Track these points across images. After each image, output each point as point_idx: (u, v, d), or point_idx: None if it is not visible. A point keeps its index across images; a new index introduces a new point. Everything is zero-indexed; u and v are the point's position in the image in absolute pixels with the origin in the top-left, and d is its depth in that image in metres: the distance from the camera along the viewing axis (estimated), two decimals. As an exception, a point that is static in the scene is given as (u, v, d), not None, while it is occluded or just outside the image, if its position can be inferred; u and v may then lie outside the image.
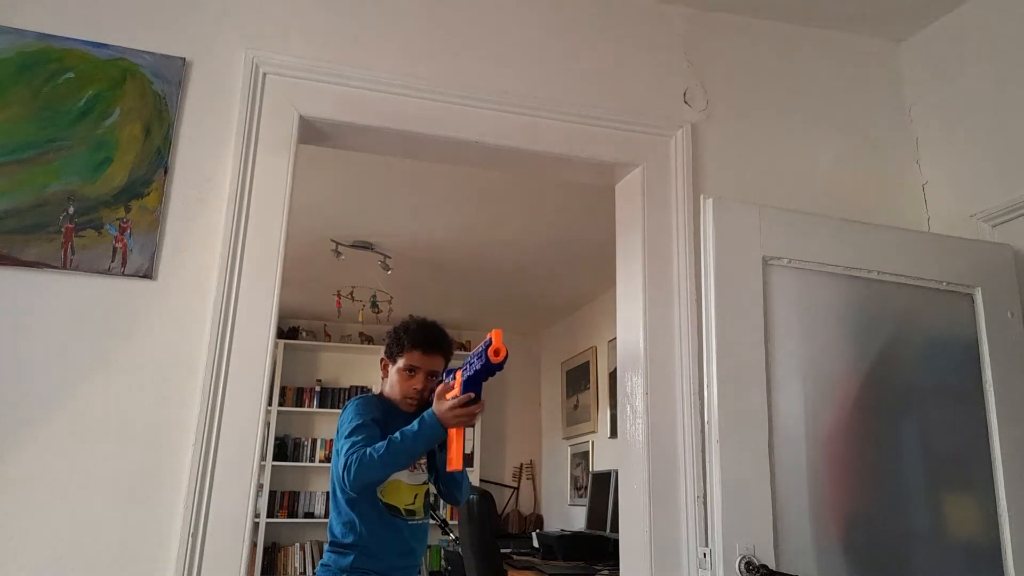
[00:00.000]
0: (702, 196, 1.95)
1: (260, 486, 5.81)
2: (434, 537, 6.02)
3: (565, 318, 6.58)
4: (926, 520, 1.92)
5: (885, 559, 1.85)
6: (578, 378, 6.15)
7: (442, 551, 6.09)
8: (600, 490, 4.86)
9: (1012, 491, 1.95)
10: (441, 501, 4.64)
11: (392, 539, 2.10)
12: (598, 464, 5.60)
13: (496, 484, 6.82)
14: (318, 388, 6.69)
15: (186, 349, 1.73)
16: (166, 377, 1.71)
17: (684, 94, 2.28)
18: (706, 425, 1.81)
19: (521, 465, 7.02)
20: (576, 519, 5.66)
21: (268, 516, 6.24)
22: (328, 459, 6.24)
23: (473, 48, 2.14)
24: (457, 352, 5.46)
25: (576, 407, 6.16)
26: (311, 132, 2.00)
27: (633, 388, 2.07)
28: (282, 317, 3.80)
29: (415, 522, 2.16)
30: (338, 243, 4.69)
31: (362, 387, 6.64)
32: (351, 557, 2.06)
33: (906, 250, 2.05)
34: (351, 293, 5.53)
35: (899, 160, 2.43)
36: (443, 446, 2.11)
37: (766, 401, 1.81)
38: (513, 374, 6.88)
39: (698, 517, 1.93)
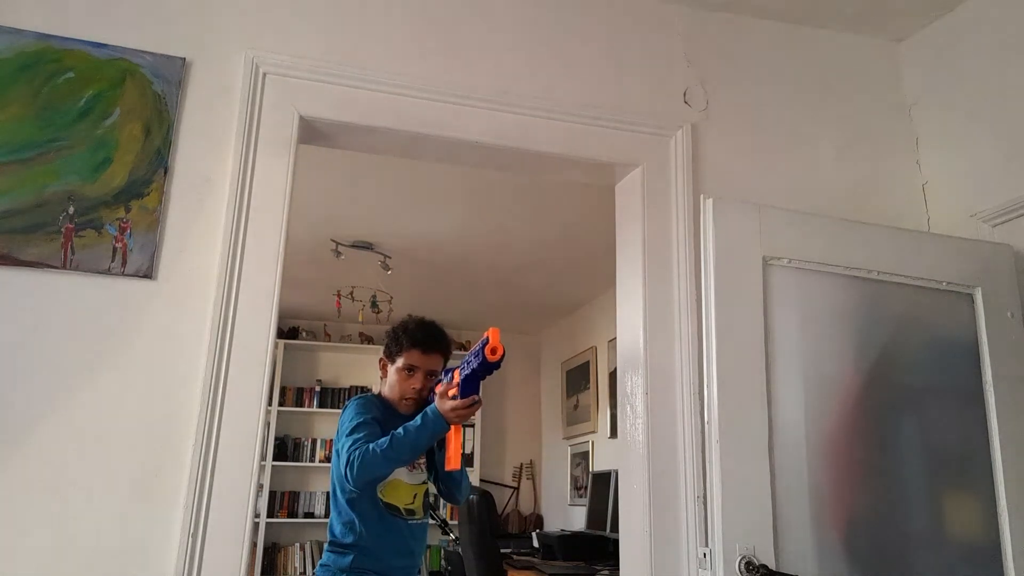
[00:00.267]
0: (702, 196, 1.95)
1: (260, 486, 5.79)
2: (434, 537, 6.02)
3: (565, 318, 6.58)
4: (926, 520, 1.92)
5: (885, 559, 1.85)
6: (578, 378, 6.15)
7: (442, 551, 6.09)
8: (600, 490, 4.86)
9: (1012, 491, 1.95)
10: (441, 501, 4.64)
11: (391, 539, 2.10)
12: (598, 464, 5.60)
13: (496, 484, 6.82)
14: (318, 388, 6.69)
15: (186, 349, 1.73)
16: (166, 377, 1.71)
17: (684, 94, 2.28)
18: (706, 425, 1.81)
19: (521, 465, 7.02)
20: (576, 519, 5.66)
21: (268, 516, 6.24)
22: (328, 459, 6.24)
23: (473, 48, 2.14)
24: (456, 352, 5.45)
25: (576, 407, 6.16)
26: (311, 132, 2.00)
27: (633, 388, 2.07)
28: (282, 317, 3.80)
29: (414, 522, 2.16)
30: (338, 243, 4.69)
31: (362, 387, 6.64)
32: (350, 557, 2.06)
33: (906, 250, 2.05)
34: (351, 293, 5.53)
35: (899, 160, 2.43)
36: (441, 444, 2.11)
37: (766, 401, 1.81)
38: (513, 374, 6.88)
39: (698, 517, 1.93)
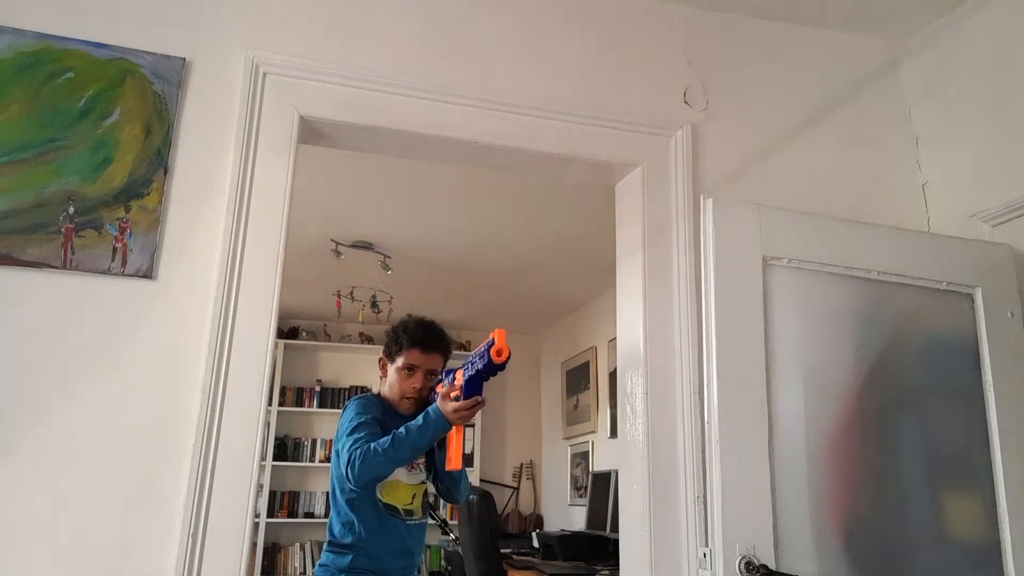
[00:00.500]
0: (702, 196, 1.95)
1: (260, 486, 5.80)
2: (434, 537, 6.02)
3: (565, 318, 6.58)
4: (926, 520, 1.92)
5: (885, 559, 1.85)
6: (578, 378, 6.15)
7: (442, 551, 6.09)
8: (600, 490, 4.86)
9: (1012, 491, 1.95)
10: (441, 501, 4.64)
11: (390, 539, 2.10)
12: (598, 464, 5.60)
13: (496, 484, 6.82)
14: (318, 388, 6.69)
15: (186, 349, 1.73)
16: (166, 377, 1.71)
17: (684, 94, 2.28)
18: (706, 425, 1.81)
19: (521, 465, 7.02)
20: (576, 519, 5.66)
21: (268, 516, 6.24)
22: (328, 459, 6.24)
23: (473, 48, 2.14)
24: (457, 352, 5.45)
25: (576, 407, 6.16)
26: (311, 132, 2.00)
27: (633, 388, 2.07)
28: (282, 317, 3.80)
29: (413, 522, 2.16)
30: (338, 243, 4.69)
31: (362, 387, 6.63)
32: (349, 557, 2.06)
33: (906, 250, 2.05)
34: (351, 293, 5.53)
35: (899, 160, 2.43)
36: (442, 444, 2.11)
37: (766, 401, 1.81)
38: (513, 374, 6.88)
39: (698, 517, 1.93)
